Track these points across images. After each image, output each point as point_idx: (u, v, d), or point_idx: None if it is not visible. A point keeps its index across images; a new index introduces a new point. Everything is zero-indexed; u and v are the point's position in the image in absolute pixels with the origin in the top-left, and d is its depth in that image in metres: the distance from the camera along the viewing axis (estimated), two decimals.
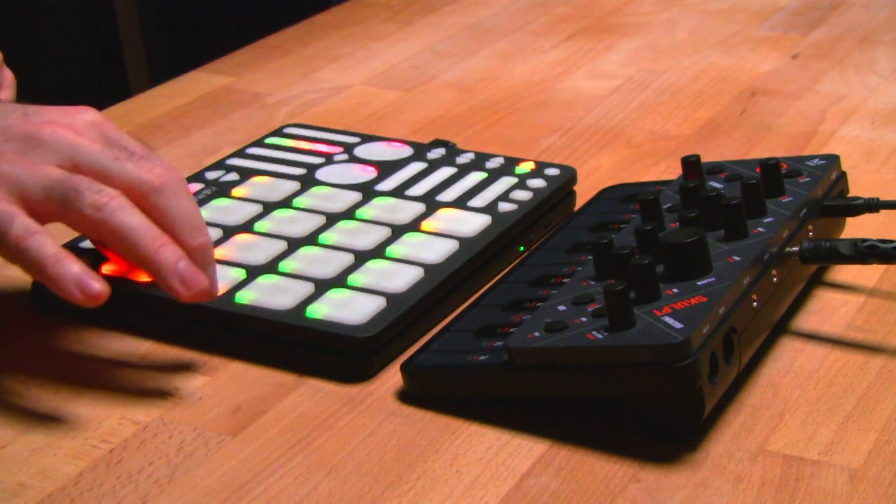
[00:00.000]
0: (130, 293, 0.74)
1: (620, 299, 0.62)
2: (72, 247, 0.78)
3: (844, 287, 0.77)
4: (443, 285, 0.74)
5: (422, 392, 0.68)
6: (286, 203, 0.82)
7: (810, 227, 0.73)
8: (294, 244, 0.77)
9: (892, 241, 0.70)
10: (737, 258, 0.67)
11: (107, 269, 0.75)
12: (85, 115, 0.69)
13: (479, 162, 0.87)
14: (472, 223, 0.79)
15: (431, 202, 0.82)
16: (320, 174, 0.86)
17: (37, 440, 0.66)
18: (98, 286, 0.63)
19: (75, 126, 0.68)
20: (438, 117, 1.04)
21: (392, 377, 0.70)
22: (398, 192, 0.83)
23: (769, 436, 0.64)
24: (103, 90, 1.89)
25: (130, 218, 0.65)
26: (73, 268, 0.64)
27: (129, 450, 0.65)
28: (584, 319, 0.64)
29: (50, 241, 0.64)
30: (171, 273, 0.65)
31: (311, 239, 0.78)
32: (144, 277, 0.72)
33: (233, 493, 0.62)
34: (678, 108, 1.05)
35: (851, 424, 0.65)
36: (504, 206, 0.81)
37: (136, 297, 0.74)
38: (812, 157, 0.79)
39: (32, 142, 0.67)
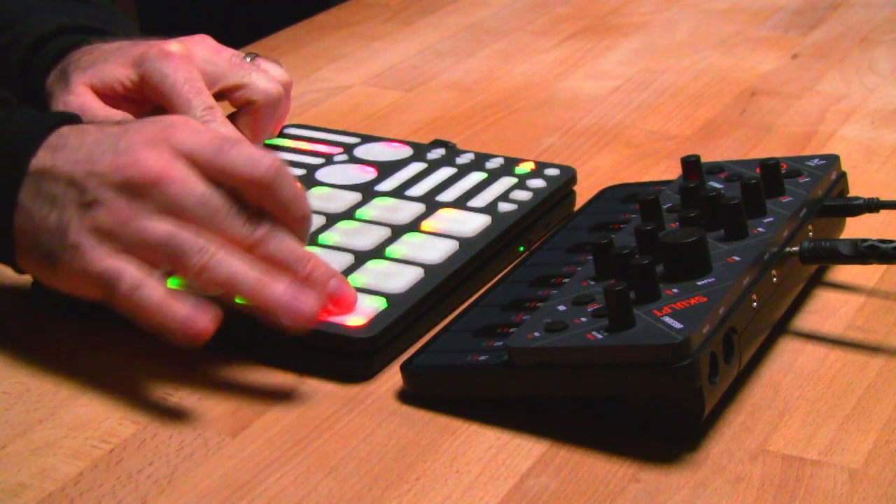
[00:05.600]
0: None
1: (620, 299, 0.62)
2: None
3: (844, 287, 0.77)
4: (443, 285, 0.74)
5: (422, 392, 0.68)
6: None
7: (810, 227, 0.73)
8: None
9: (892, 241, 0.70)
10: (737, 258, 0.67)
11: None
12: (174, 136, 0.68)
13: (478, 162, 0.87)
14: (472, 223, 0.79)
15: (431, 202, 0.82)
16: (320, 174, 0.86)
17: (37, 440, 0.66)
18: (203, 323, 0.65)
19: (165, 158, 0.67)
20: (438, 117, 1.04)
21: (392, 377, 0.70)
22: (398, 193, 0.83)
23: (769, 436, 0.64)
24: None
25: (233, 267, 0.66)
26: (180, 310, 0.65)
27: (129, 450, 0.65)
28: (584, 319, 0.64)
29: (156, 289, 0.66)
30: (278, 308, 0.66)
31: (311, 239, 0.77)
32: None
33: (233, 493, 0.62)
34: (678, 108, 1.05)
35: (851, 424, 0.65)
36: (504, 207, 0.81)
37: None
38: (812, 157, 0.79)
39: (131, 191, 0.66)
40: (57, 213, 0.67)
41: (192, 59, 0.82)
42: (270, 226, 0.68)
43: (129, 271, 0.66)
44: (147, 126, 0.69)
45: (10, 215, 0.68)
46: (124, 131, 0.69)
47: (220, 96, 0.84)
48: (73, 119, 0.72)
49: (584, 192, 0.87)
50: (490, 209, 0.81)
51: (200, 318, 0.65)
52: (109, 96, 0.81)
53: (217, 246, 0.66)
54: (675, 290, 0.64)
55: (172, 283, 0.68)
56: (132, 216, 0.66)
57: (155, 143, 0.68)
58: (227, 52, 0.85)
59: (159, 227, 0.66)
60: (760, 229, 0.70)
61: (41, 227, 0.68)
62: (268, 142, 0.91)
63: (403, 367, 0.69)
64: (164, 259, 0.66)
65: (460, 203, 0.82)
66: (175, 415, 0.67)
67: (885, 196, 0.77)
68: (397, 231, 0.78)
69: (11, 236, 0.69)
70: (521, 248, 0.81)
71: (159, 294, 0.66)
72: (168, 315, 0.65)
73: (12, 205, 0.68)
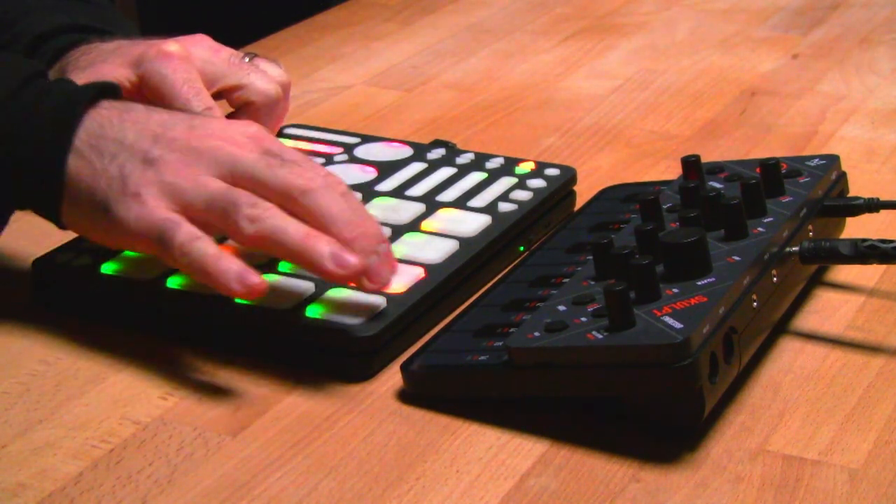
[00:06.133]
0: (131, 293, 0.74)
1: (620, 299, 0.62)
2: (72, 245, 0.78)
3: (844, 287, 0.77)
4: (443, 285, 0.74)
5: (422, 392, 0.68)
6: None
7: (810, 227, 0.73)
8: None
9: (892, 241, 0.70)
10: (737, 258, 0.67)
11: (107, 268, 0.75)
12: (248, 129, 0.72)
13: (479, 162, 0.87)
14: (472, 223, 0.79)
15: (431, 202, 0.82)
16: None
17: (37, 440, 0.66)
18: (257, 279, 0.67)
19: (235, 139, 0.71)
20: (438, 117, 1.04)
21: (392, 377, 0.70)
22: (398, 193, 0.83)
23: (769, 436, 0.64)
24: None
25: (281, 221, 0.68)
26: (234, 265, 0.67)
27: (129, 450, 0.65)
28: (584, 319, 0.64)
29: (211, 244, 0.68)
30: (324, 257, 0.67)
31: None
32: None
33: (233, 493, 0.62)
34: (678, 108, 1.05)
35: (851, 424, 0.65)
36: (504, 206, 0.81)
37: (137, 297, 0.74)
38: (812, 157, 0.79)
39: (195, 154, 0.70)
40: (118, 163, 0.70)
41: (190, 60, 0.82)
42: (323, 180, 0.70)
43: (186, 224, 0.68)
44: (221, 120, 0.74)
45: (64, 158, 0.70)
46: (200, 119, 0.73)
47: (218, 96, 0.84)
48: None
49: (584, 192, 0.87)
50: (490, 209, 0.81)
51: (253, 274, 0.67)
52: None
53: (270, 204, 0.68)
54: (675, 290, 0.64)
55: None
56: (193, 173, 0.69)
57: (229, 126, 0.72)
58: (226, 53, 0.85)
59: (217, 183, 0.69)
60: (760, 229, 0.70)
61: (100, 172, 0.70)
62: None
63: (403, 367, 0.69)
64: (217, 213, 0.68)
65: (460, 203, 0.82)
66: (175, 415, 0.67)
67: (885, 196, 0.77)
68: (397, 231, 0.78)
69: (63, 181, 0.70)
70: (521, 248, 0.81)
71: (215, 248, 0.68)
72: (225, 265, 0.67)
73: (66, 148, 0.70)
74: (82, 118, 0.71)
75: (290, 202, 0.69)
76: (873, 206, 0.76)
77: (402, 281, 0.73)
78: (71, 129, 0.71)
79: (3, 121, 0.71)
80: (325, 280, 0.69)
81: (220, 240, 0.71)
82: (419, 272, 0.74)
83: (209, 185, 0.69)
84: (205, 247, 0.68)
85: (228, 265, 0.67)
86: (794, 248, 0.71)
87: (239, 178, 0.69)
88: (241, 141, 0.71)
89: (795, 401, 0.67)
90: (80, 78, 0.80)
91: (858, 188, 0.83)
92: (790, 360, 0.70)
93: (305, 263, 0.68)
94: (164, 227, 0.68)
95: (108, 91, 0.74)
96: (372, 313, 0.70)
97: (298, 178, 0.69)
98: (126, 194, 0.69)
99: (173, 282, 0.74)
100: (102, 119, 0.71)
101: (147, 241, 0.69)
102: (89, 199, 0.70)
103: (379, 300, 0.71)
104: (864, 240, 0.70)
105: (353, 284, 0.70)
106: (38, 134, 0.71)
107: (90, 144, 0.70)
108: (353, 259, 0.68)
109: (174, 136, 0.71)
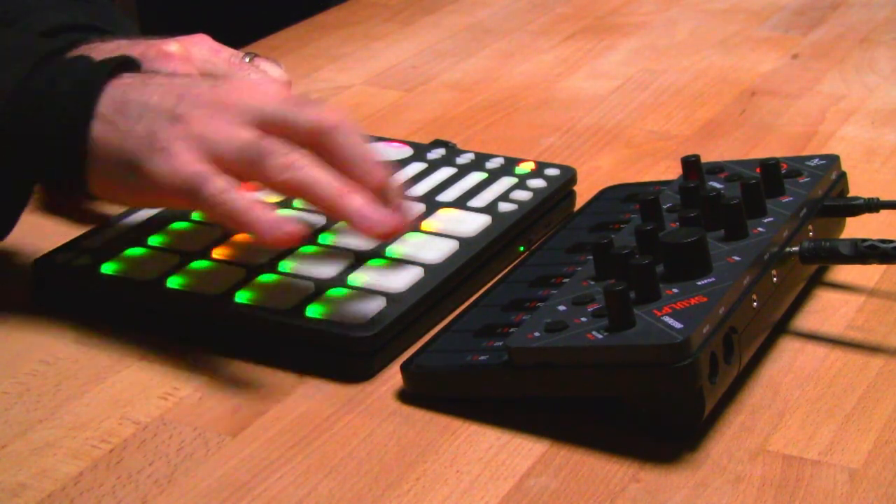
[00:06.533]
0: (131, 293, 0.74)
1: (620, 299, 0.62)
2: (73, 245, 0.78)
3: (844, 287, 0.77)
4: (443, 285, 0.74)
5: (422, 392, 0.68)
6: (286, 203, 0.82)
7: (810, 227, 0.73)
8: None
9: (892, 241, 0.70)
10: (737, 258, 0.67)
11: (107, 268, 0.75)
12: (269, 85, 0.74)
13: (479, 162, 0.87)
14: (472, 223, 0.79)
15: (431, 202, 0.82)
16: None
17: (37, 440, 0.66)
18: (292, 226, 0.68)
19: (259, 90, 0.72)
20: (438, 117, 1.04)
21: (392, 377, 0.70)
22: None
23: (769, 436, 0.64)
24: None
25: (315, 173, 0.68)
26: (268, 214, 0.68)
27: (129, 450, 0.65)
28: (584, 319, 0.64)
29: (244, 194, 0.68)
30: (356, 216, 0.68)
31: (311, 238, 0.77)
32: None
33: (233, 493, 0.62)
34: (678, 108, 1.05)
35: (851, 424, 0.65)
36: (504, 206, 0.81)
37: (137, 297, 0.74)
38: (812, 157, 0.79)
39: (221, 106, 0.70)
40: (144, 123, 0.70)
41: (190, 60, 0.82)
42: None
43: (216, 176, 0.68)
44: (243, 80, 0.77)
45: (87, 126, 0.71)
46: (224, 79, 0.74)
47: None
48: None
49: (584, 192, 0.87)
50: (490, 209, 0.81)
51: (289, 221, 0.68)
52: None
53: (301, 153, 0.69)
54: (675, 290, 0.64)
55: None
56: (221, 123, 0.70)
57: (252, 83, 0.74)
58: (226, 53, 0.85)
59: (247, 132, 0.69)
60: (760, 229, 0.70)
61: (127, 132, 0.70)
62: None
63: (403, 367, 0.69)
64: (249, 162, 0.69)
65: (460, 203, 0.82)
66: (175, 415, 0.67)
67: (885, 196, 0.77)
68: None
69: (86, 146, 0.71)
70: (521, 248, 0.81)
71: (247, 198, 0.68)
72: (258, 214, 0.68)
73: (90, 116, 0.71)
74: (104, 87, 0.72)
75: (319, 139, 0.70)
76: (873, 206, 0.76)
77: (402, 281, 0.73)
78: (93, 97, 0.71)
79: (25, 92, 0.72)
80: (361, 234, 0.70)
81: None
82: (419, 272, 0.74)
83: (239, 134, 0.69)
84: (237, 197, 0.68)
85: (261, 214, 0.68)
86: (794, 248, 0.71)
87: (267, 124, 0.70)
88: (266, 91, 0.72)
89: (795, 401, 0.67)
90: None
91: (858, 188, 0.83)
92: (790, 360, 0.70)
93: (338, 217, 0.69)
94: (194, 179, 0.68)
95: (128, 65, 0.74)
96: (372, 313, 0.70)
97: (325, 114, 0.70)
98: (155, 150, 0.69)
99: (173, 282, 0.74)
100: (125, 86, 0.72)
101: (179, 195, 0.69)
102: (117, 161, 0.71)
103: (379, 300, 0.71)
104: (864, 240, 0.70)
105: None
106: (61, 104, 0.71)
107: (115, 109, 0.71)
108: (384, 220, 0.69)
109: (199, 92, 0.71)
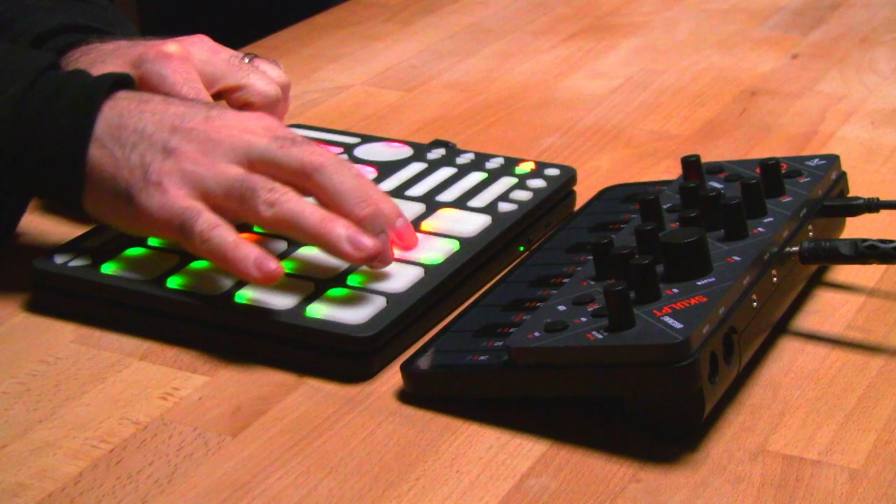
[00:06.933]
0: (131, 293, 0.74)
1: (620, 299, 0.62)
2: (73, 245, 0.78)
3: (844, 287, 0.77)
4: (443, 285, 0.74)
5: (421, 392, 0.68)
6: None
7: (810, 227, 0.73)
8: (294, 244, 0.77)
9: (892, 241, 0.70)
10: (737, 258, 0.67)
11: (107, 268, 0.75)
12: (261, 120, 0.75)
13: (479, 162, 0.87)
14: (472, 223, 0.79)
15: (431, 202, 0.82)
16: None
17: (37, 440, 0.66)
18: (273, 265, 0.70)
19: (250, 127, 0.74)
20: (438, 117, 1.04)
21: (392, 377, 0.70)
22: (398, 193, 0.83)
23: (769, 436, 0.64)
24: None
25: (299, 205, 0.71)
26: (252, 252, 0.70)
27: (129, 450, 0.65)
28: (584, 319, 0.64)
29: (230, 231, 0.71)
30: (341, 240, 0.70)
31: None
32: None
33: (233, 493, 0.62)
34: (678, 108, 1.05)
35: (851, 424, 0.65)
36: (504, 206, 0.81)
37: (137, 297, 0.74)
38: (812, 157, 0.79)
39: (212, 143, 0.73)
40: (138, 153, 0.72)
41: (189, 60, 0.82)
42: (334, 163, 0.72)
43: (206, 212, 0.71)
44: (236, 112, 0.76)
45: (85, 148, 0.73)
46: (217, 110, 0.75)
47: (218, 97, 0.84)
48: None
49: (584, 192, 0.87)
50: (490, 209, 0.81)
51: (272, 260, 0.70)
52: None
53: (286, 188, 0.71)
54: (675, 290, 0.64)
55: None
56: (211, 161, 0.72)
57: (244, 117, 0.74)
58: (226, 53, 0.85)
59: (235, 169, 0.72)
60: (760, 229, 0.70)
61: (122, 162, 0.72)
62: None
63: (403, 367, 0.69)
64: (236, 199, 0.71)
65: (460, 203, 0.82)
66: (175, 415, 0.67)
67: (885, 196, 0.77)
68: None
69: (83, 169, 0.73)
70: (521, 248, 0.81)
71: (233, 235, 0.71)
72: (243, 252, 0.70)
73: (87, 138, 0.72)
74: (101, 108, 0.73)
75: (304, 180, 0.72)
76: (873, 206, 0.76)
77: (402, 281, 0.73)
78: (90, 119, 0.73)
79: (21, 113, 0.73)
80: (346, 261, 0.72)
81: (240, 228, 0.74)
82: (419, 272, 0.74)
83: (227, 171, 0.72)
84: (224, 234, 0.70)
85: (247, 251, 0.70)
86: (794, 248, 0.71)
87: (255, 163, 0.72)
88: (256, 129, 0.73)
89: (795, 401, 0.67)
90: None
91: (858, 188, 0.83)
92: (790, 360, 0.70)
93: (323, 246, 0.71)
94: (184, 215, 0.71)
95: (123, 82, 0.75)
96: (372, 313, 0.70)
97: (311, 155, 0.72)
98: (148, 183, 0.72)
99: (173, 282, 0.74)
100: (121, 109, 0.73)
101: (169, 229, 0.72)
102: (112, 188, 0.73)
103: (379, 300, 0.71)
104: (864, 240, 0.70)
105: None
106: (58, 125, 0.73)
107: (110, 134, 0.73)
108: (368, 242, 0.70)
109: (192, 126, 0.73)
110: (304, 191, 0.72)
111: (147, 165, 0.72)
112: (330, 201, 0.72)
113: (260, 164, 0.72)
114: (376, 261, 0.71)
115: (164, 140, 0.72)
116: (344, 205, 0.71)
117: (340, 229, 0.70)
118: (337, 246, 0.70)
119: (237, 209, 0.72)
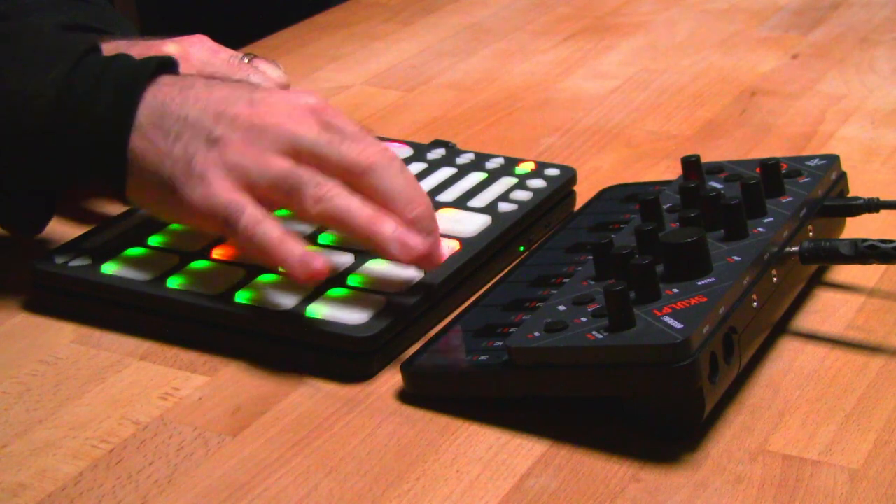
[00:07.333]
0: (131, 293, 0.74)
1: (620, 299, 0.62)
2: (73, 245, 0.78)
3: (844, 287, 0.77)
4: (443, 285, 0.74)
5: (422, 392, 0.68)
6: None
7: (810, 227, 0.73)
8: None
9: (892, 241, 0.70)
10: (737, 258, 0.67)
11: (107, 268, 0.75)
12: (308, 100, 0.72)
13: (479, 162, 0.87)
14: (472, 223, 0.79)
15: (432, 202, 0.82)
16: None
17: (37, 440, 0.66)
18: (318, 264, 0.68)
19: (296, 112, 0.71)
20: (438, 117, 1.04)
21: (392, 377, 0.70)
22: None
23: (769, 436, 0.64)
24: None
25: (347, 202, 0.69)
26: (297, 249, 0.69)
27: (129, 450, 0.65)
28: (584, 319, 0.64)
29: (276, 226, 0.69)
30: (389, 241, 0.69)
31: (311, 238, 0.77)
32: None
33: (233, 493, 0.62)
34: (678, 108, 1.05)
35: (851, 424, 0.65)
36: (504, 206, 0.81)
37: (137, 297, 0.74)
38: (812, 157, 0.79)
39: (258, 131, 0.71)
40: (182, 144, 0.71)
41: (189, 61, 0.82)
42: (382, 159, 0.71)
43: (251, 206, 0.69)
44: (281, 92, 0.74)
45: (127, 137, 0.71)
46: (260, 94, 0.73)
47: None
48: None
49: (584, 192, 0.87)
50: (490, 209, 0.81)
51: (317, 258, 0.69)
52: None
53: (333, 183, 0.69)
54: (675, 290, 0.64)
55: None
56: (257, 152, 0.70)
57: (289, 99, 0.72)
58: (225, 53, 0.85)
59: (282, 162, 0.70)
60: (760, 229, 0.70)
61: (165, 153, 0.71)
62: None
63: (403, 367, 0.69)
64: (283, 192, 0.70)
65: (460, 203, 0.82)
66: (175, 415, 0.67)
67: (885, 196, 0.77)
68: None
69: (125, 158, 0.71)
70: (521, 248, 0.81)
71: (279, 231, 0.69)
72: (288, 250, 0.69)
73: (129, 127, 0.71)
74: (143, 95, 0.72)
75: (353, 178, 0.70)
76: (873, 206, 0.76)
77: (402, 280, 0.73)
78: (133, 107, 0.71)
79: (63, 99, 0.72)
80: (394, 261, 0.71)
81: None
82: (419, 272, 0.74)
83: (273, 164, 0.70)
84: (269, 230, 0.69)
85: (291, 249, 0.69)
86: (794, 248, 0.71)
87: (302, 154, 0.70)
88: (302, 115, 0.71)
89: (795, 401, 0.67)
90: None
91: (858, 188, 0.83)
92: (790, 360, 0.70)
93: (370, 244, 0.70)
94: (229, 209, 0.69)
95: (166, 65, 0.74)
96: (372, 313, 0.70)
97: (360, 154, 0.70)
98: (192, 175, 0.70)
99: (173, 282, 0.74)
100: (164, 96, 0.72)
101: (213, 222, 0.71)
102: (155, 179, 0.71)
103: (379, 300, 0.71)
104: (864, 240, 0.70)
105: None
106: (101, 113, 0.71)
107: (153, 123, 0.71)
108: (417, 243, 0.69)
109: (236, 112, 0.71)
110: (352, 187, 0.70)
111: (191, 157, 0.70)
112: (378, 201, 0.70)
113: (307, 157, 0.70)
114: (424, 261, 0.70)
115: (209, 129, 0.71)
116: (393, 206, 0.70)
117: (388, 229, 0.69)
118: (385, 246, 0.69)
119: (283, 201, 0.70)
